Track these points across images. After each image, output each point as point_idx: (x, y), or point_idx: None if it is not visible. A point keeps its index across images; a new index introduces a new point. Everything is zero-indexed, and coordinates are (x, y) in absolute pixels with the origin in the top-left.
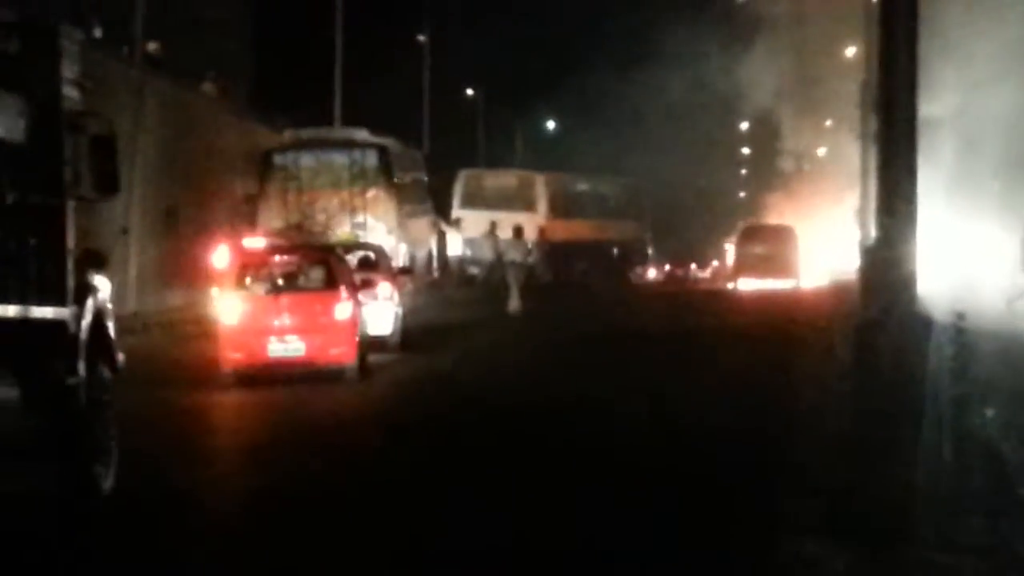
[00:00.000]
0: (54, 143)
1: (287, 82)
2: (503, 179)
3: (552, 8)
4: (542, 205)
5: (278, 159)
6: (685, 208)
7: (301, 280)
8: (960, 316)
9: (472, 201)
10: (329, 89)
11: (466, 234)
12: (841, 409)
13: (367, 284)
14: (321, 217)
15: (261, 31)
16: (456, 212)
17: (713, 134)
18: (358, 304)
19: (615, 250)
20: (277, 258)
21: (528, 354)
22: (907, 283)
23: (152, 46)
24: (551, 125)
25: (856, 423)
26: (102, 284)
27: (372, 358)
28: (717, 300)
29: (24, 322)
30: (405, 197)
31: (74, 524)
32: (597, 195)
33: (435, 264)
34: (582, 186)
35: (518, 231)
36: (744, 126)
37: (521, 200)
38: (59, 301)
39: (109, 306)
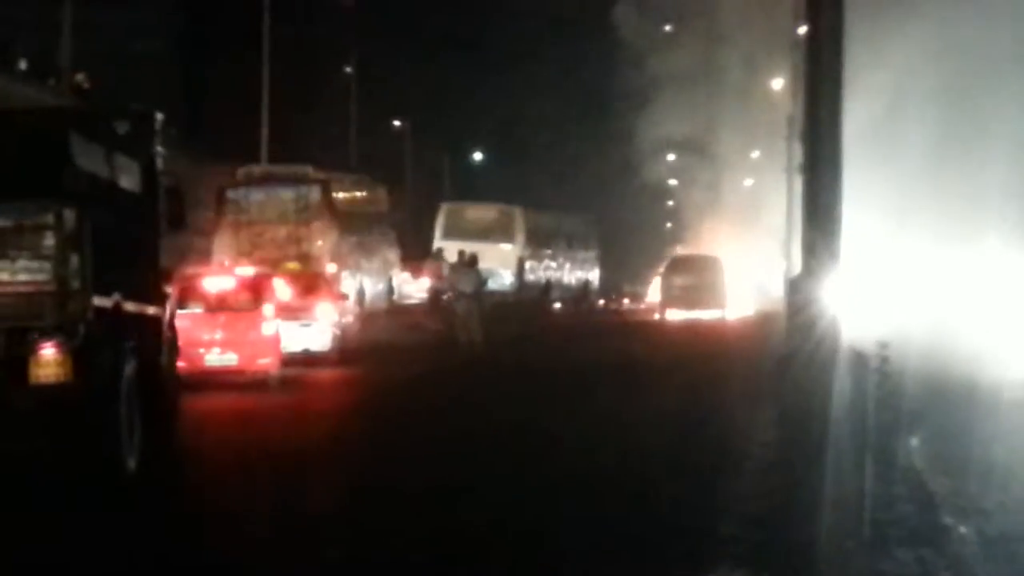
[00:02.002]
0: (153, 194)
1: (215, 114)
2: (483, 212)
3: (476, 42)
4: (520, 237)
5: (231, 194)
6: (618, 241)
7: (234, 301)
8: (883, 346)
9: (453, 232)
10: (257, 120)
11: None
12: (762, 440)
13: (307, 308)
14: (270, 247)
15: (189, 63)
16: (437, 243)
17: (640, 166)
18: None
19: (574, 281)
20: (214, 282)
21: (445, 380)
22: (831, 313)
23: (79, 77)
24: (478, 157)
25: (776, 454)
26: (170, 292)
27: (309, 372)
28: (646, 331)
29: (141, 316)
30: (351, 228)
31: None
32: (563, 229)
33: (395, 292)
34: (552, 220)
35: (471, 260)
36: (671, 157)
37: (500, 232)
38: (156, 303)
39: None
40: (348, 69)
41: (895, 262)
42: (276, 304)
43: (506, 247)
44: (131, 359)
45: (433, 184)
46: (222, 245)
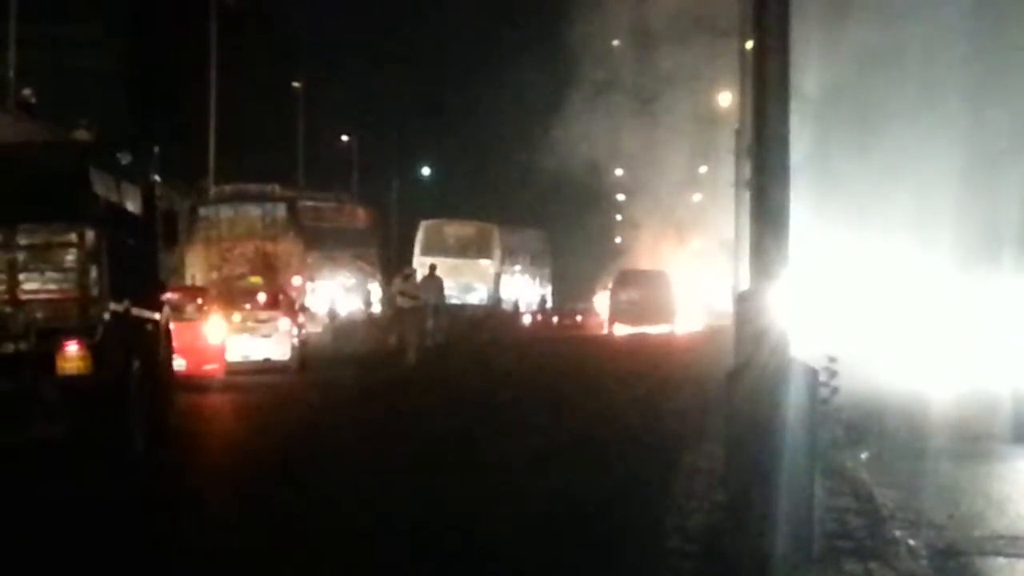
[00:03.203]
0: (151, 215)
1: (161, 129)
2: (462, 229)
3: (423, 58)
4: (497, 253)
5: (202, 211)
6: (567, 256)
7: (184, 312)
8: (832, 360)
9: (432, 249)
10: (204, 135)
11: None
12: (709, 452)
13: (268, 319)
14: (238, 262)
15: (135, 77)
16: (417, 259)
17: (589, 180)
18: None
19: (535, 296)
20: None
21: (386, 389)
22: (780, 327)
23: (25, 92)
24: (426, 171)
25: (724, 467)
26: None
27: (257, 378)
28: (595, 345)
29: (145, 320)
30: (322, 244)
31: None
32: (527, 245)
33: (375, 304)
34: (521, 237)
35: (430, 272)
36: (619, 172)
37: (478, 248)
38: (156, 309)
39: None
40: (295, 84)
41: (845, 276)
42: (242, 314)
43: (484, 263)
44: (138, 356)
45: (381, 198)
46: (194, 260)
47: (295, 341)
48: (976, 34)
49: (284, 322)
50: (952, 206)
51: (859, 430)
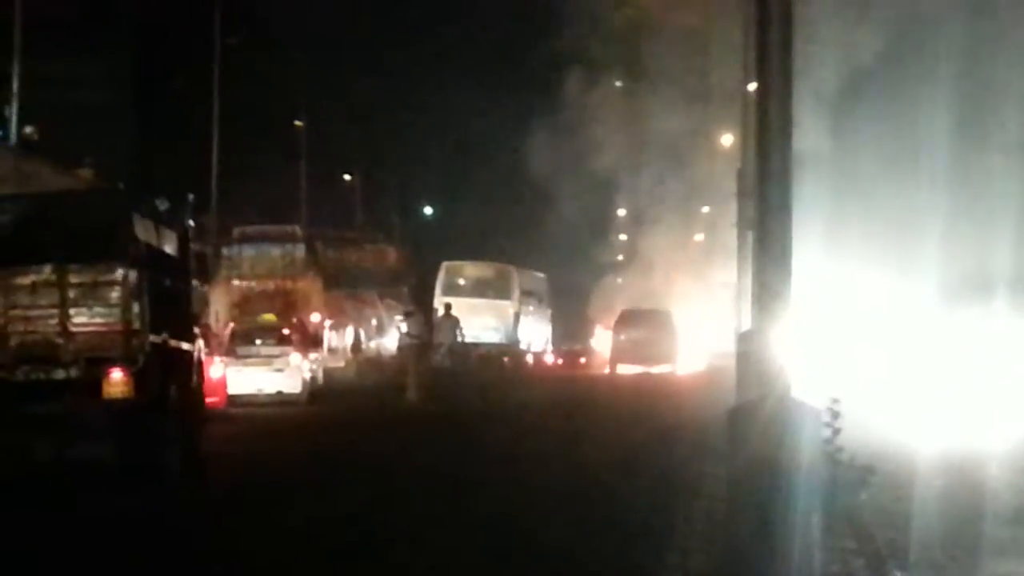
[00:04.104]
0: (185, 256)
1: (164, 167)
2: (482, 270)
3: (424, 99)
4: (516, 293)
5: (225, 251)
6: (567, 295)
7: None
8: (834, 400)
9: (452, 289)
10: (207, 173)
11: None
12: (710, 493)
13: (280, 355)
14: (259, 300)
15: (138, 115)
16: (438, 299)
17: (590, 219)
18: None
19: (540, 336)
20: None
21: (386, 424)
22: (781, 367)
23: (28, 129)
24: (428, 211)
25: (725, 507)
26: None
27: (259, 410)
28: (598, 385)
29: (180, 350)
30: (338, 282)
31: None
32: (538, 286)
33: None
34: (532, 278)
35: (446, 311)
36: (621, 212)
37: (497, 289)
38: (189, 340)
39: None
40: (298, 123)
41: (847, 315)
42: (256, 349)
43: (503, 303)
44: (174, 383)
45: (384, 238)
46: (217, 298)
47: (306, 375)
48: (977, 69)
49: (295, 357)
50: (959, 246)
51: (861, 471)
